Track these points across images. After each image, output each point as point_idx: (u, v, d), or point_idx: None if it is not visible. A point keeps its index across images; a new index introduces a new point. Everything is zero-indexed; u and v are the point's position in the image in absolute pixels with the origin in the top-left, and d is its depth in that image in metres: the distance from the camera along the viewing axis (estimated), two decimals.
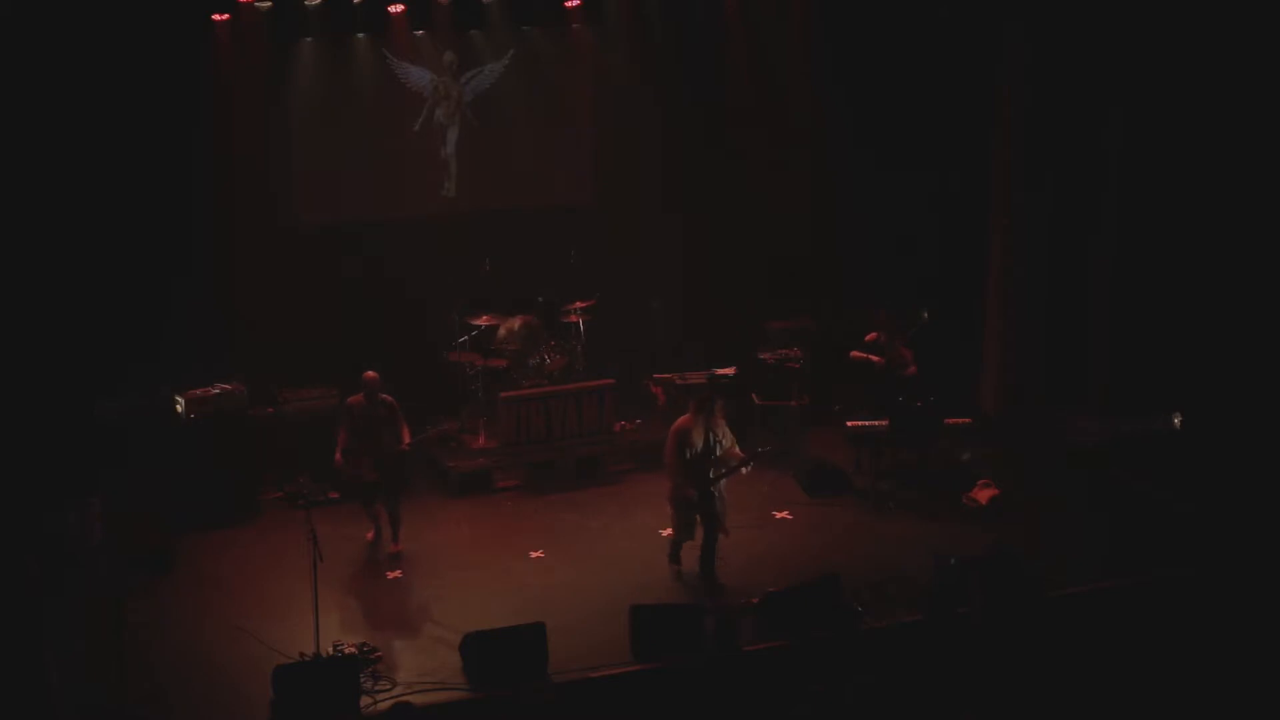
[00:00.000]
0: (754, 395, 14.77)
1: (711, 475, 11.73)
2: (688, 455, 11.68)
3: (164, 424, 13.41)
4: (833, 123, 15.49)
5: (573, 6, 15.42)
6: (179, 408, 13.43)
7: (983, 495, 13.24)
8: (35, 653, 9.46)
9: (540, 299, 15.04)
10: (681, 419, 11.85)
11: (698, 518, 11.86)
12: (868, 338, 14.06)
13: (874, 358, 13.93)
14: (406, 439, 12.52)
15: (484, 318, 14.74)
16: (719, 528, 11.86)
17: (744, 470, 12.03)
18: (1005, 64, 14.61)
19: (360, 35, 14.85)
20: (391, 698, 10.19)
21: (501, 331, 14.72)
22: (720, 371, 14.75)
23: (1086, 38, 13.90)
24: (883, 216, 15.49)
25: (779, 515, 13.27)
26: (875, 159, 15.24)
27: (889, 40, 15.07)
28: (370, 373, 12.49)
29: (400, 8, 14.74)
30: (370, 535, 12.80)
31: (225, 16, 14.00)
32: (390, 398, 12.53)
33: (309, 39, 14.62)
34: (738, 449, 11.92)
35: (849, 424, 13.81)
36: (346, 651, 10.63)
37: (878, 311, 14.07)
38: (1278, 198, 13.08)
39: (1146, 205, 13.88)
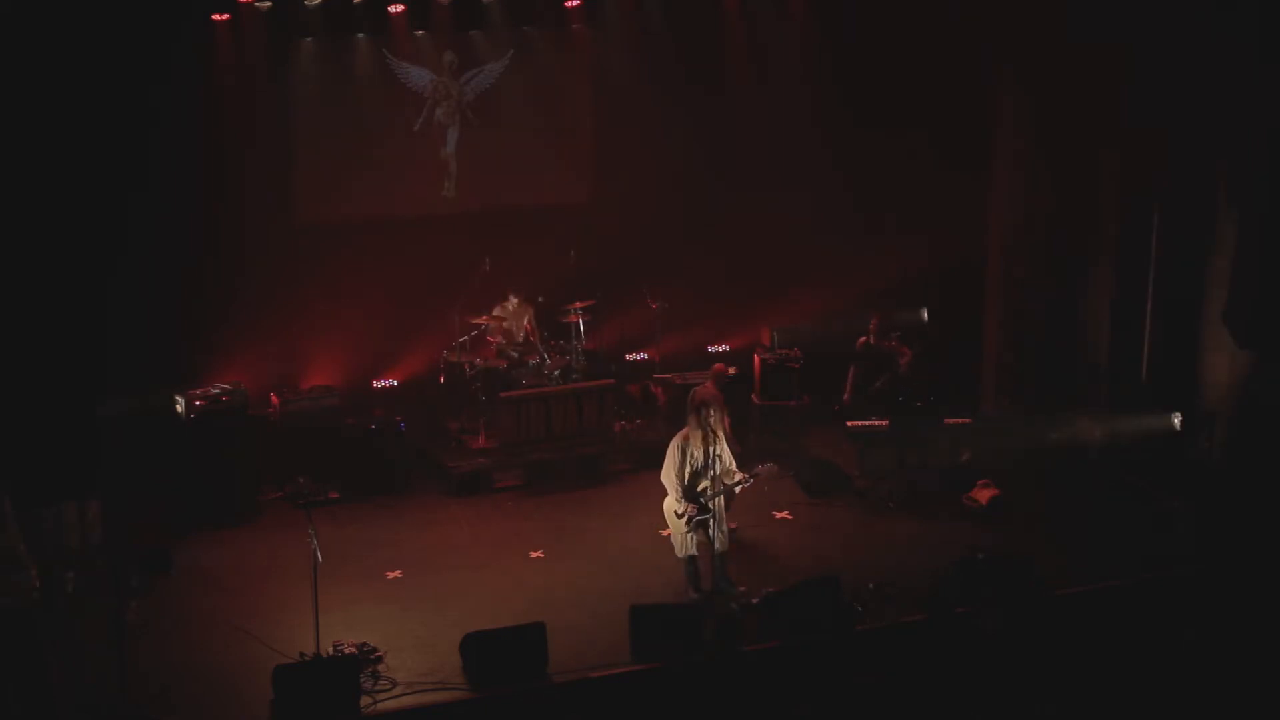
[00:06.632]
0: (754, 395, 14.77)
1: (709, 491, 11.43)
2: (688, 469, 11.42)
3: (164, 424, 13.42)
4: (832, 121, 15.47)
5: (573, 6, 15.42)
6: (179, 408, 13.43)
7: (983, 495, 13.23)
8: (35, 653, 9.45)
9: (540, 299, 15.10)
10: (682, 431, 11.54)
11: (697, 533, 11.48)
12: (859, 343, 14.30)
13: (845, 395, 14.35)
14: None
15: (484, 317, 14.75)
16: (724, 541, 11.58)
17: (740, 489, 11.73)
18: (1005, 63, 14.61)
19: (360, 35, 14.84)
20: (391, 697, 10.20)
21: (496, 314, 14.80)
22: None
23: (1087, 35, 13.88)
24: (882, 215, 15.47)
25: (779, 515, 13.26)
26: (875, 157, 15.23)
27: (889, 39, 15.06)
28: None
29: (400, 8, 14.74)
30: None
31: (225, 16, 14.01)
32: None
33: (309, 39, 14.62)
34: (736, 468, 11.68)
35: (849, 424, 13.81)
36: (346, 651, 10.63)
37: (870, 318, 14.33)
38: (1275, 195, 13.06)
39: (1147, 203, 13.86)
